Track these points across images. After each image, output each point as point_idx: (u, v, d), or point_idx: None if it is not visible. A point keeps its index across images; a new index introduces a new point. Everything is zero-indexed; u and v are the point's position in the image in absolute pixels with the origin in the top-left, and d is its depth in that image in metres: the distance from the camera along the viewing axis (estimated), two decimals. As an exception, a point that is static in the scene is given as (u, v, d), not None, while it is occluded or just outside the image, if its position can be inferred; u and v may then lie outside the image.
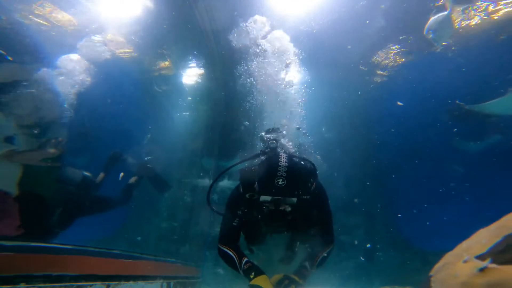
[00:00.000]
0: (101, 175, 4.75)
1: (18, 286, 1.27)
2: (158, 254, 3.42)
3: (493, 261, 0.75)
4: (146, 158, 5.68)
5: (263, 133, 2.71)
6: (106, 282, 1.77)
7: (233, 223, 2.35)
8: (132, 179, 5.24)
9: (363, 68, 8.06)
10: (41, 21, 4.61)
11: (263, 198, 1.99)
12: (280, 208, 1.99)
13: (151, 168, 5.44)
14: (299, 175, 2.03)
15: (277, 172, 1.93)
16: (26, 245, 1.41)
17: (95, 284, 1.68)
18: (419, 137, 10.08)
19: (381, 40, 7.27)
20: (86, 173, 4.16)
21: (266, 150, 2.48)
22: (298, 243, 2.59)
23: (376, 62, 7.97)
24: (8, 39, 2.52)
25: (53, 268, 1.45)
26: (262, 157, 2.44)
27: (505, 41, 6.54)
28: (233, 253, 2.25)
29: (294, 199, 1.98)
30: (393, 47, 7.54)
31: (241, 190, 2.36)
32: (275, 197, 1.95)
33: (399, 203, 8.84)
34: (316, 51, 7.15)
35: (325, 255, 2.35)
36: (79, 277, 1.59)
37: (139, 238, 6.40)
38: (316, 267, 2.30)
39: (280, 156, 2.04)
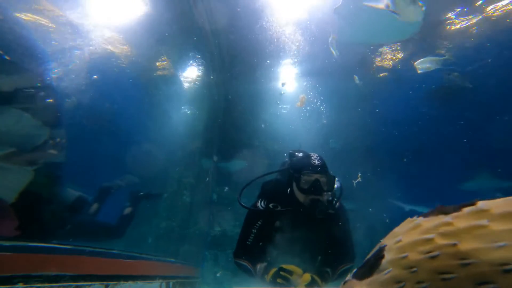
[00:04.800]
0: (95, 205, 4.59)
1: (16, 286, 1.26)
2: (157, 254, 3.41)
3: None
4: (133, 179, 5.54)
5: (291, 151, 2.89)
6: (105, 282, 1.77)
7: (247, 242, 2.45)
8: (127, 210, 5.10)
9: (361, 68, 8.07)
10: (39, 20, 4.60)
11: (303, 178, 2.23)
12: (319, 198, 2.21)
13: (143, 195, 5.37)
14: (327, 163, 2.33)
15: (311, 156, 2.32)
16: (24, 245, 1.40)
17: (94, 284, 1.67)
18: (418, 135, 10.09)
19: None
20: (83, 195, 3.89)
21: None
22: (319, 257, 2.58)
23: (375, 60, 7.99)
24: (6, 38, 2.50)
25: (51, 268, 1.45)
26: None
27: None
28: (247, 263, 2.38)
29: (328, 180, 2.23)
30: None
31: (261, 203, 2.47)
32: (314, 176, 2.21)
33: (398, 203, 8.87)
34: (315, 49, 7.17)
35: (346, 269, 2.39)
36: (77, 277, 1.58)
37: (149, 240, 6.34)
38: (336, 278, 2.34)
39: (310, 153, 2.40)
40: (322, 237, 2.50)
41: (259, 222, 2.45)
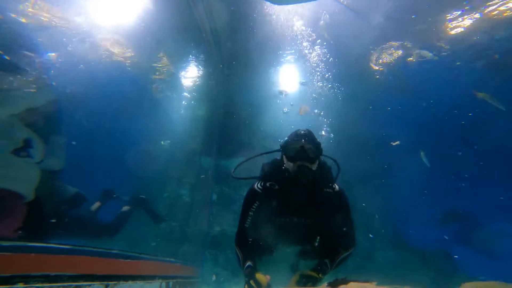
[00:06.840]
0: (97, 203, 4.68)
1: (16, 286, 1.27)
2: (157, 254, 3.42)
3: None
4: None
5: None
6: (105, 282, 1.77)
7: (245, 224, 2.46)
8: (125, 208, 5.18)
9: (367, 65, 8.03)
10: (39, 20, 4.60)
11: (290, 146, 2.30)
12: (306, 164, 2.23)
13: (145, 198, 5.42)
14: (314, 135, 2.42)
15: (300, 129, 2.44)
16: (23, 245, 1.40)
17: (94, 284, 1.67)
18: (421, 136, 10.05)
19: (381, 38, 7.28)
20: (81, 192, 3.96)
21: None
22: (318, 238, 2.57)
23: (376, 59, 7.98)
24: (4, 38, 2.50)
25: (51, 268, 1.45)
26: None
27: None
28: (241, 255, 2.40)
29: (314, 147, 2.27)
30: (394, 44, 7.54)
31: (258, 185, 2.48)
32: (300, 143, 2.26)
33: (398, 203, 8.86)
34: (315, 47, 7.16)
35: (345, 256, 2.40)
36: (77, 277, 1.59)
37: (153, 244, 6.31)
38: (335, 267, 2.36)
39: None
40: (320, 221, 2.48)
41: (255, 204, 2.46)
